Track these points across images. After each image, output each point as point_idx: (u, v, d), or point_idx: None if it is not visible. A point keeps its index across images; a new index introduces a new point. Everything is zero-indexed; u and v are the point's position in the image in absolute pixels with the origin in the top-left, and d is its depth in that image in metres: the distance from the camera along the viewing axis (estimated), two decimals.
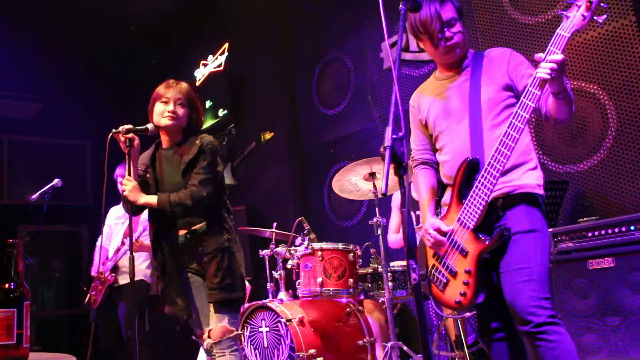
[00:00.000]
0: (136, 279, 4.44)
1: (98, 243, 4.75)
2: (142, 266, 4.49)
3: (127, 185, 2.64)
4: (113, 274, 4.43)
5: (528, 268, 1.97)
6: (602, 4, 1.88)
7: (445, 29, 2.17)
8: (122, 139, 2.68)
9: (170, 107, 2.71)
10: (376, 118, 5.10)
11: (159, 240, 2.77)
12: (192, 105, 2.80)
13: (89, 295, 4.56)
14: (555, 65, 1.88)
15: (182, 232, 2.71)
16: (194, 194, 2.62)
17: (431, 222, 2.19)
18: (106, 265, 4.45)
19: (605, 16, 1.89)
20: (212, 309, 2.68)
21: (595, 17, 1.87)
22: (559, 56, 1.89)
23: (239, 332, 2.75)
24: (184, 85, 2.80)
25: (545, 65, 1.90)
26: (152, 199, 2.64)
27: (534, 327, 1.92)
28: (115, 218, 4.69)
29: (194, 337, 2.83)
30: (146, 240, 4.55)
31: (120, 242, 4.45)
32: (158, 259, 2.76)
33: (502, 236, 2.00)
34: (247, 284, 4.51)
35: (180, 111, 2.74)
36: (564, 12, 1.92)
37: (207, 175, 2.66)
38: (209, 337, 2.64)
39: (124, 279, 4.46)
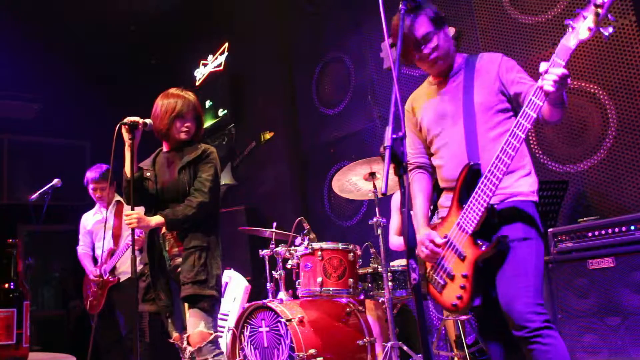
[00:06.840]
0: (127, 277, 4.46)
1: (80, 249, 4.74)
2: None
3: (131, 217, 2.63)
4: (114, 276, 4.43)
5: (523, 275, 1.99)
6: (609, 17, 1.81)
7: (422, 47, 2.17)
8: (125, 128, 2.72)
9: (188, 123, 2.85)
10: (376, 118, 5.10)
11: (153, 234, 2.80)
12: (199, 116, 2.94)
13: (88, 301, 4.55)
14: (558, 79, 1.85)
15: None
16: (201, 202, 2.69)
17: (426, 234, 2.19)
18: (102, 268, 4.45)
19: (612, 29, 1.81)
20: (186, 308, 2.67)
21: (601, 30, 1.81)
22: (561, 70, 1.85)
23: (217, 334, 2.70)
24: (192, 97, 2.91)
25: (549, 77, 1.87)
26: (160, 220, 2.68)
27: (529, 332, 1.94)
28: (96, 223, 4.71)
29: (170, 340, 2.83)
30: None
31: (110, 244, 4.46)
32: (149, 254, 2.79)
33: (499, 244, 2.01)
34: (246, 283, 4.47)
35: (192, 124, 2.88)
36: (571, 22, 1.86)
37: (213, 183, 2.78)
38: (188, 344, 2.62)
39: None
